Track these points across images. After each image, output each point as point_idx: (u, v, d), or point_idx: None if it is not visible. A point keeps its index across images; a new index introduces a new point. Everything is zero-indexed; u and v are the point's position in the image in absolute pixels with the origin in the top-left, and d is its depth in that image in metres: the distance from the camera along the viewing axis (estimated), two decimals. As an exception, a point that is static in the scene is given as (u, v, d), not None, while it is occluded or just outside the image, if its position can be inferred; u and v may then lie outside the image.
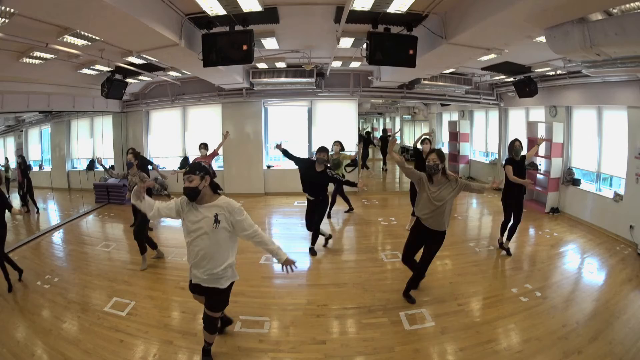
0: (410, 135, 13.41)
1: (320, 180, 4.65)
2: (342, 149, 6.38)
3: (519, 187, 4.59)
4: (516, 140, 4.72)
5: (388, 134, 12.00)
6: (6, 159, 6.90)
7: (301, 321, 3.39)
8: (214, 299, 2.61)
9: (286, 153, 4.87)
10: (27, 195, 6.89)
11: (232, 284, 2.64)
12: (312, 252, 4.98)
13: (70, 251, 5.33)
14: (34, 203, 7.06)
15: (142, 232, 4.51)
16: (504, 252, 4.80)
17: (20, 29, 3.55)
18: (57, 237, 5.99)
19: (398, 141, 10.08)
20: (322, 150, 4.62)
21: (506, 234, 4.79)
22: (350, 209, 7.02)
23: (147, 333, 3.19)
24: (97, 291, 3.99)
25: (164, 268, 4.58)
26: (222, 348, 2.97)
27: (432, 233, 3.44)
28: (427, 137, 5.51)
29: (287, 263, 2.61)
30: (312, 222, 4.95)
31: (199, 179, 2.38)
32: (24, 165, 6.87)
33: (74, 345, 3.01)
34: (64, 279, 4.28)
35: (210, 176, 2.47)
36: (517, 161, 4.66)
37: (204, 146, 6.31)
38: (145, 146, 9.06)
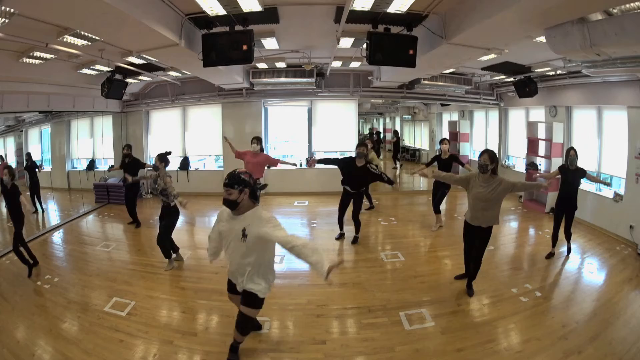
0: (410, 136, 13.41)
1: (363, 175, 4.88)
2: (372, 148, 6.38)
3: (569, 197, 4.59)
4: (571, 149, 4.61)
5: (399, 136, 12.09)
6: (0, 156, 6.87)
7: (301, 321, 3.39)
8: (251, 298, 2.57)
9: (326, 161, 5.09)
10: (33, 195, 6.93)
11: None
12: (356, 240, 5.30)
13: (70, 251, 5.33)
14: (38, 203, 7.07)
15: (166, 236, 4.48)
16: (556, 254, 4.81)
17: (20, 29, 3.55)
18: (57, 237, 5.99)
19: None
20: (361, 144, 4.92)
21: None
22: (371, 207, 7.20)
23: (147, 333, 3.19)
24: (97, 291, 3.99)
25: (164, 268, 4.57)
26: (221, 348, 2.97)
27: (478, 230, 3.64)
28: (446, 137, 5.84)
29: (330, 272, 2.17)
30: (350, 211, 5.21)
31: (237, 193, 2.39)
32: (30, 163, 6.91)
33: (74, 345, 3.01)
34: (64, 279, 4.28)
35: (250, 187, 2.45)
36: (571, 170, 4.57)
37: (257, 141, 5.61)
38: (145, 146, 9.06)
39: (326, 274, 2.15)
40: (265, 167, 5.91)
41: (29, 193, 6.89)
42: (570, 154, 4.55)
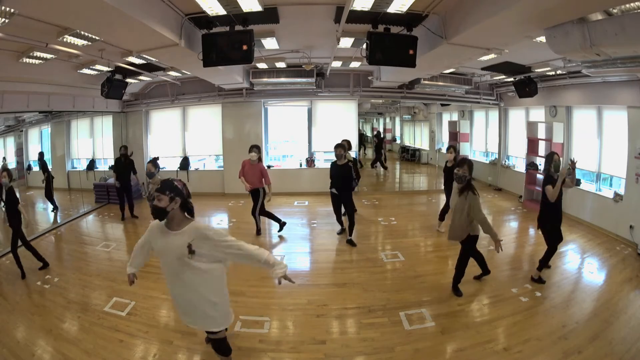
0: (410, 136, 13.41)
1: (347, 172, 5.11)
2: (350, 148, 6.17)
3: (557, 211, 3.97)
4: (554, 153, 4.02)
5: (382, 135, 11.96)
6: (4, 159, 6.90)
7: (301, 321, 3.39)
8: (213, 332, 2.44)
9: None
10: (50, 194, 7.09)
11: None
12: (352, 243, 5.26)
13: (70, 251, 5.33)
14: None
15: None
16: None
17: (20, 29, 3.55)
18: (57, 237, 5.99)
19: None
20: (338, 146, 5.08)
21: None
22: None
23: (147, 333, 3.19)
24: (97, 291, 3.99)
25: (164, 268, 4.57)
26: (222, 348, 2.97)
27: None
28: (453, 146, 5.73)
29: (285, 277, 2.35)
30: (342, 213, 5.52)
31: (167, 200, 2.15)
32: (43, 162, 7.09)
33: (74, 345, 3.01)
34: (64, 279, 4.28)
35: (182, 198, 2.20)
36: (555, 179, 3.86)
37: (256, 150, 5.55)
38: (145, 146, 9.07)
39: (282, 271, 2.33)
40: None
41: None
42: (555, 158, 3.97)
